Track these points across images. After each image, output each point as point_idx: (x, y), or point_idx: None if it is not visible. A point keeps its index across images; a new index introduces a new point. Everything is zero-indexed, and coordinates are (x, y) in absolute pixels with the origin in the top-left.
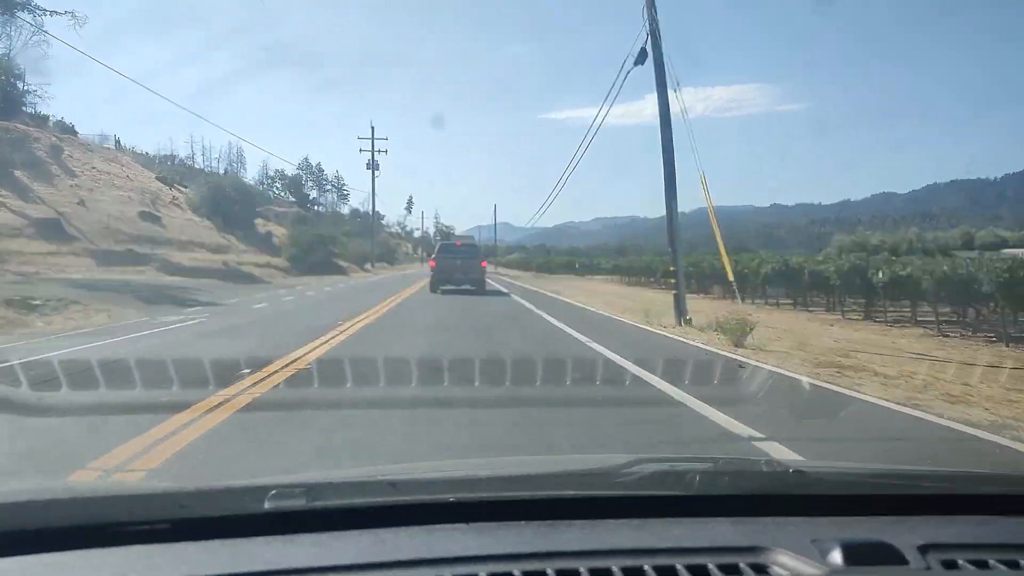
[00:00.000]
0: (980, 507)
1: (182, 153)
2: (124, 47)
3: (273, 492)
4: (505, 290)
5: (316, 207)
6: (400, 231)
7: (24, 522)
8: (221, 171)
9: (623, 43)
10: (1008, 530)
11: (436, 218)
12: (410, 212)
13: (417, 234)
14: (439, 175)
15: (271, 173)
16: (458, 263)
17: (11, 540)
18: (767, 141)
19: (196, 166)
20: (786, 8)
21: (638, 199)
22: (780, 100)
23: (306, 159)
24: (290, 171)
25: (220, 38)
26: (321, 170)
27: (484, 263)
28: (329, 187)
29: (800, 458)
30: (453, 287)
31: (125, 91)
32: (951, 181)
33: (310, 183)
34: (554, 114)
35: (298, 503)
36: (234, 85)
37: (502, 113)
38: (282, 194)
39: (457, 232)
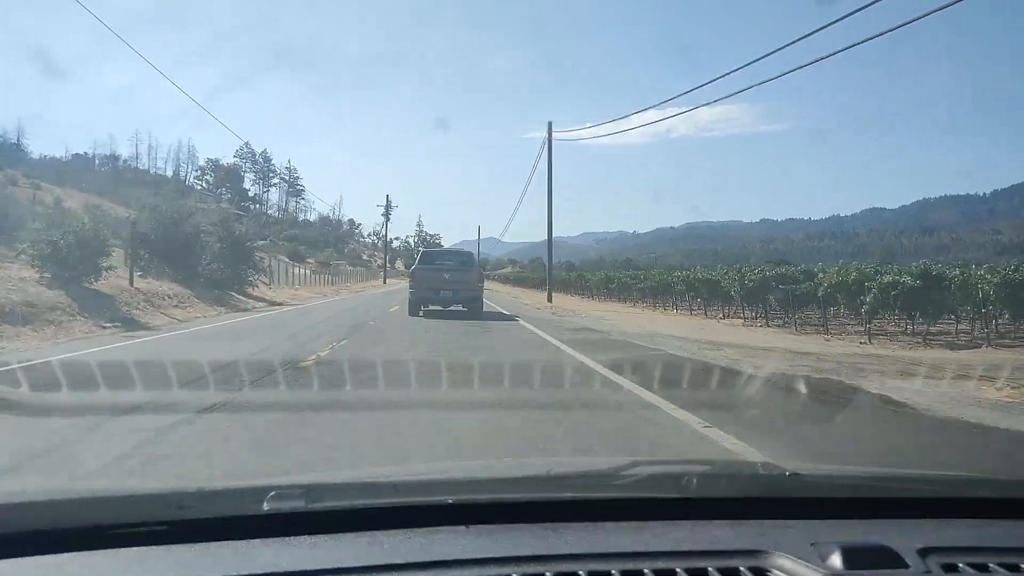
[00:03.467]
0: (978, 510)
1: (125, 152)
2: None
3: (272, 493)
4: None
5: (258, 205)
6: (375, 241)
7: (21, 524)
8: (168, 173)
9: (605, 67)
10: (1008, 533)
11: (419, 226)
12: (388, 219)
13: (396, 244)
14: (427, 188)
15: (202, 163)
16: (446, 277)
17: (8, 542)
18: (754, 158)
19: (141, 167)
20: (765, 31)
21: (626, 214)
22: (766, 120)
23: (247, 144)
24: (228, 160)
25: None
26: (268, 159)
27: (483, 278)
28: (278, 180)
29: None
30: (440, 308)
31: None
32: (941, 196)
33: (253, 176)
34: (539, 134)
35: (297, 504)
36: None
37: (488, 131)
38: (214, 190)
39: (444, 244)
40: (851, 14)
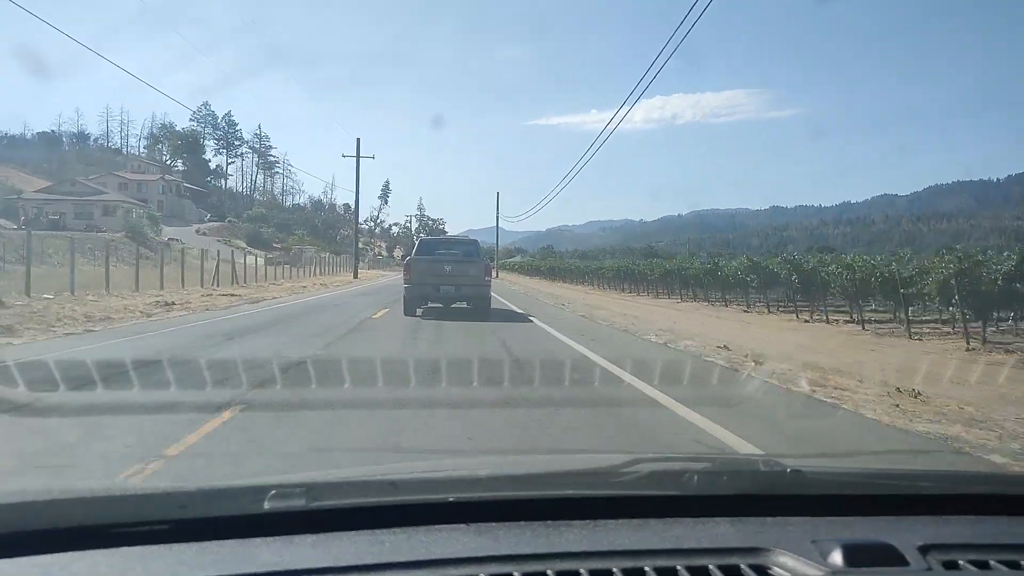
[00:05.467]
0: (978, 507)
1: (95, 131)
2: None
3: (273, 492)
4: None
5: (222, 180)
6: (372, 226)
7: (23, 523)
8: (142, 152)
9: (609, 52)
10: (1008, 530)
11: (420, 210)
12: (386, 202)
13: (395, 230)
14: (429, 177)
15: (155, 130)
16: (447, 269)
17: (10, 541)
18: (762, 145)
19: (112, 145)
20: (775, 15)
21: (632, 202)
22: (773, 106)
23: (206, 104)
24: (183, 125)
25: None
26: (233, 124)
27: (490, 271)
28: (245, 148)
29: None
30: (440, 305)
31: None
32: (954, 182)
33: (214, 143)
34: (544, 120)
35: (298, 503)
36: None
37: (493, 118)
38: (167, 159)
39: (448, 231)
40: None
